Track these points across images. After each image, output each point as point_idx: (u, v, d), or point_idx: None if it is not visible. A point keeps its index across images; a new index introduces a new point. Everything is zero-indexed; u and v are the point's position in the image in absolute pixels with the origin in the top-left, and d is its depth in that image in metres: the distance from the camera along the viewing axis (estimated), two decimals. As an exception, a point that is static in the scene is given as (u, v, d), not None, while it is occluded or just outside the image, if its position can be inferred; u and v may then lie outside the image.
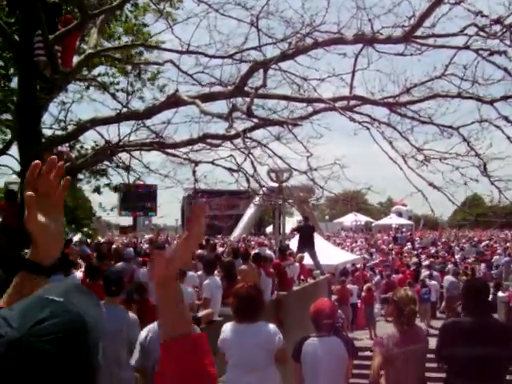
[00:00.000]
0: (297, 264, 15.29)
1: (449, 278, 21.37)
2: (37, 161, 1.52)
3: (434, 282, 21.25)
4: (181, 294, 1.52)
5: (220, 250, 18.74)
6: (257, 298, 5.57)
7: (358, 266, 25.84)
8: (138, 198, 48.63)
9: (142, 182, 13.90)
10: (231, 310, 5.76)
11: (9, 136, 14.78)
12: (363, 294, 20.69)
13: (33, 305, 1.11)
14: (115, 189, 17.50)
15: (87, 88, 15.76)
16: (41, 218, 1.51)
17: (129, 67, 14.07)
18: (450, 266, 24.09)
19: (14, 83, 13.72)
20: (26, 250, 1.59)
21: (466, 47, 8.33)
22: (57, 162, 1.55)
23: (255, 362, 5.39)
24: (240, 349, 5.38)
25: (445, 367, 5.32)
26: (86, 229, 19.26)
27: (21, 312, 1.09)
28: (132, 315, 6.22)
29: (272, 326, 5.59)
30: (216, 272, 10.58)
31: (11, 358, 1.01)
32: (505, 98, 8.87)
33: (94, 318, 1.16)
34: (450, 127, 9.56)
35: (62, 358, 1.04)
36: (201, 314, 9.36)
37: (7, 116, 13.83)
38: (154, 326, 5.68)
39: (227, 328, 5.58)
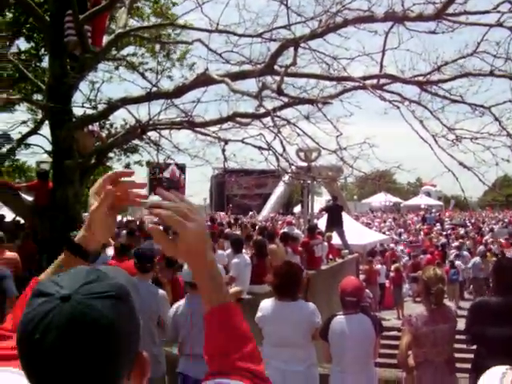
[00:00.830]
0: (325, 243, 15.32)
1: (475, 259, 21.23)
2: (130, 170, 1.63)
3: (461, 263, 21.10)
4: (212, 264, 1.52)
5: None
6: (297, 276, 5.62)
7: (387, 245, 25.73)
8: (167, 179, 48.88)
9: (171, 161, 13.96)
10: (271, 287, 5.81)
11: (40, 116, 14.96)
12: (391, 274, 20.66)
13: (80, 270, 1.19)
14: (147, 164, 17.64)
15: (116, 68, 15.87)
16: (105, 210, 1.59)
17: (157, 47, 14.09)
18: (480, 247, 23.83)
19: (45, 63, 13.85)
20: (75, 232, 1.66)
21: (499, 24, 8.16)
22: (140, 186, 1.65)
23: (294, 339, 5.45)
24: (280, 326, 5.44)
25: (473, 348, 5.32)
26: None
27: (69, 276, 1.16)
28: (161, 291, 6.30)
29: (312, 305, 5.64)
30: (243, 250, 10.66)
31: (63, 312, 1.07)
32: (539, 76, 8.71)
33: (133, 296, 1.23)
34: (482, 106, 9.41)
35: (109, 315, 1.10)
36: (229, 291, 9.44)
37: (38, 96, 13.99)
38: (182, 302, 5.76)
39: (267, 305, 5.64)
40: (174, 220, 1.37)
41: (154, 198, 1.45)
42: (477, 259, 20.97)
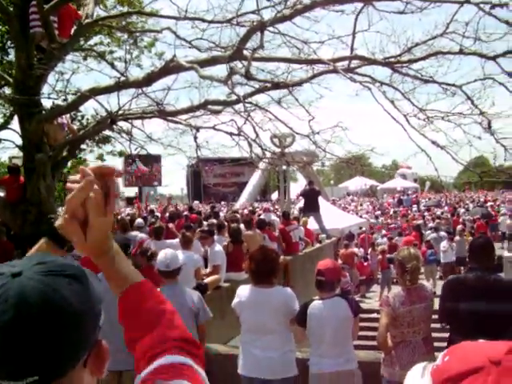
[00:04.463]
0: (301, 228, 15.37)
1: (457, 238, 21.37)
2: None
3: (443, 244, 21.11)
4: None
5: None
6: (274, 261, 5.59)
7: (364, 228, 25.91)
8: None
9: (144, 152, 13.84)
10: (248, 273, 5.80)
11: (9, 110, 14.76)
12: (379, 257, 20.75)
13: (37, 254, 1.22)
14: (120, 154, 17.55)
15: (85, 58, 15.67)
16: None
17: (125, 36, 13.93)
18: (458, 226, 23.93)
19: (12, 55, 13.63)
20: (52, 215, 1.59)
21: (467, 1, 8.15)
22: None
23: (272, 325, 5.43)
24: (257, 312, 5.42)
25: (447, 327, 5.34)
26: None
27: (25, 258, 1.16)
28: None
29: (290, 291, 5.62)
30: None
31: (12, 287, 1.04)
32: (508, 52, 8.69)
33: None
34: (453, 85, 9.43)
35: (62, 292, 1.07)
36: (207, 280, 9.43)
37: (7, 90, 13.76)
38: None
39: (244, 291, 5.61)
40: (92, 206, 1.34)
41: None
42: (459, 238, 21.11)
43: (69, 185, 1.34)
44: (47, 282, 1.06)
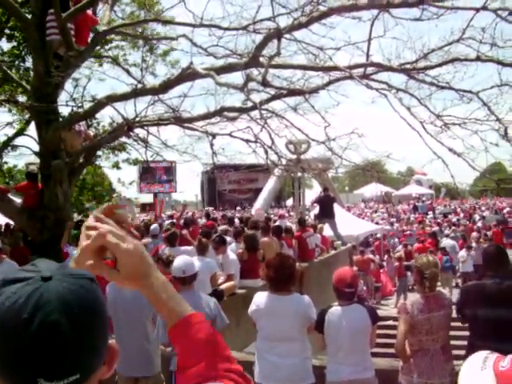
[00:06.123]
0: (318, 235, 15.32)
1: (474, 245, 21.21)
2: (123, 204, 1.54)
3: (461, 254, 20.92)
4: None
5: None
6: (291, 268, 5.56)
7: (378, 235, 25.80)
8: (157, 175, 49.40)
9: (160, 159, 13.88)
10: (265, 280, 5.77)
11: (26, 117, 14.84)
12: (396, 264, 20.64)
13: (48, 260, 1.19)
14: (135, 162, 17.61)
15: (100, 65, 15.77)
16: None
17: (140, 42, 14.00)
18: (473, 233, 23.81)
19: (29, 63, 13.73)
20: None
21: (484, 7, 8.13)
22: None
23: (289, 333, 5.40)
24: (275, 319, 5.38)
25: (467, 326, 5.34)
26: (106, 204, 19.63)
27: (40, 264, 1.16)
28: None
29: (307, 299, 5.58)
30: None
31: (50, 290, 1.07)
32: (526, 59, 8.66)
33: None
34: (470, 92, 9.40)
35: (93, 292, 1.12)
36: (223, 286, 9.42)
37: (24, 97, 13.85)
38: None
39: (261, 298, 5.58)
40: (109, 241, 1.30)
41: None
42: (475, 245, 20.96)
43: (84, 230, 1.33)
44: (78, 283, 1.10)
